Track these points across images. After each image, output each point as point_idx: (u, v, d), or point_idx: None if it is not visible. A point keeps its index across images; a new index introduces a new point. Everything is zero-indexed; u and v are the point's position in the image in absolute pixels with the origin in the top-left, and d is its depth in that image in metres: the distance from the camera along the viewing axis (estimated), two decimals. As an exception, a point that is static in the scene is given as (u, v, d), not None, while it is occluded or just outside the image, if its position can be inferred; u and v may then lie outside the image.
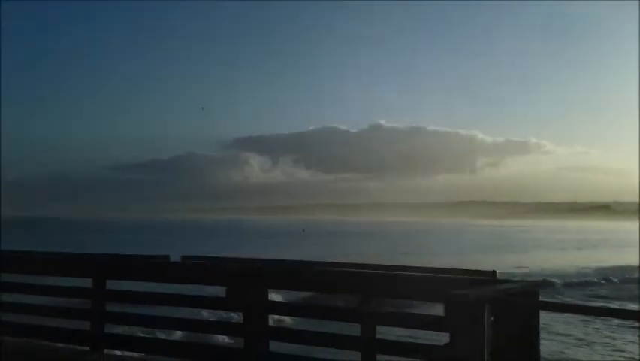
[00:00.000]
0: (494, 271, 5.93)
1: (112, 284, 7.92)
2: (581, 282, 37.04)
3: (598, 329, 19.98)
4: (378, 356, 6.20)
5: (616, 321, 19.59)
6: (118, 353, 7.78)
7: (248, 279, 6.83)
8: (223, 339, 10.17)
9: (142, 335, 8.75)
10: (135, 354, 7.75)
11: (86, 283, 7.93)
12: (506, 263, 49.79)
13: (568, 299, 29.46)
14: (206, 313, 10.22)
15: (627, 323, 18.07)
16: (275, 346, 7.01)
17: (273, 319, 7.11)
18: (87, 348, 7.75)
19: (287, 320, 10.70)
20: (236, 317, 7.10)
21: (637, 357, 16.76)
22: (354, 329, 6.36)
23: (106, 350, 7.70)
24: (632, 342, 17.72)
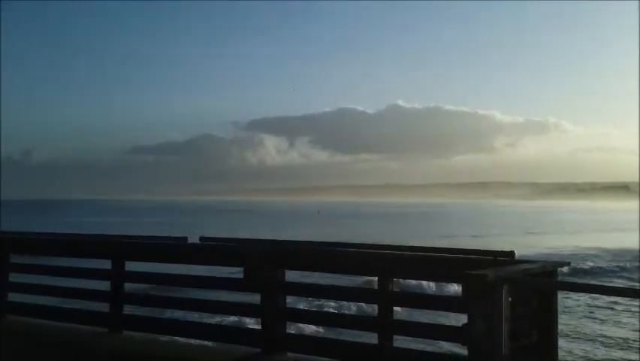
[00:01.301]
0: (512, 252, 5.87)
1: (131, 266, 7.97)
2: (599, 264, 36.77)
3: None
4: (395, 337, 6.19)
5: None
6: (137, 334, 7.84)
7: (265, 260, 6.83)
8: (241, 320, 10.24)
9: (160, 317, 8.80)
10: (154, 335, 7.80)
11: (106, 264, 7.98)
12: (526, 244, 49.68)
13: (587, 280, 29.32)
14: (224, 295, 10.29)
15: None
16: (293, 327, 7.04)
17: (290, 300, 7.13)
18: (106, 330, 7.81)
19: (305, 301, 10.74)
20: (255, 298, 7.11)
21: None
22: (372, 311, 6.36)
23: (125, 332, 7.76)
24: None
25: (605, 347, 15.99)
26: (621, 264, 35.92)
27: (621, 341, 16.53)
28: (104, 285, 7.99)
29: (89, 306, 8.35)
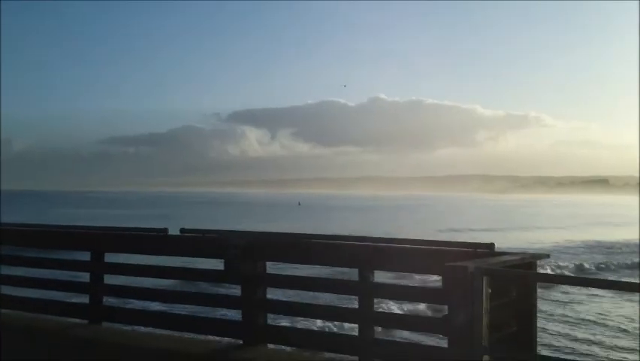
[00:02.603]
0: (492, 244, 5.91)
1: (110, 257, 7.92)
2: (579, 256, 37.20)
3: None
4: (376, 329, 6.21)
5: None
6: (116, 325, 7.80)
7: (246, 252, 6.81)
8: (222, 312, 10.23)
9: (140, 308, 8.77)
10: (133, 327, 7.77)
11: (85, 256, 7.93)
12: (505, 237, 50.07)
13: (566, 272, 29.63)
14: (204, 286, 10.25)
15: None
16: (272, 318, 7.04)
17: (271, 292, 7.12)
18: (85, 321, 7.77)
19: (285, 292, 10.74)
20: (235, 290, 7.10)
21: None
22: (352, 302, 6.37)
23: (104, 323, 7.72)
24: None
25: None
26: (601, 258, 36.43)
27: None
28: (84, 276, 7.94)
29: (69, 297, 8.30)
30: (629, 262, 34.09)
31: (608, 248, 42.16)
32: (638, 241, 39.97)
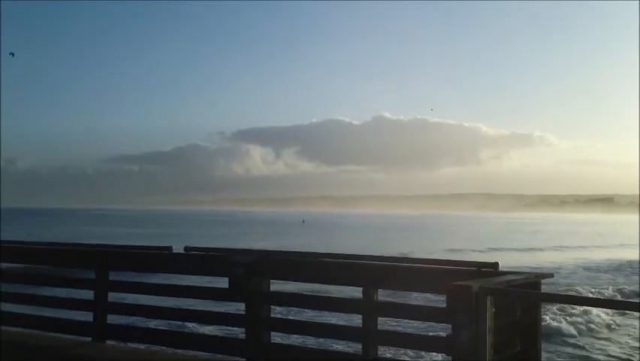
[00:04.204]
0: (497, 263, 5.91)
1: (115, 275, 7.93)
2: (582, 275, 36.95)
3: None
4: (380, 348, 6.20)
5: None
6: (121, 343, 7.79)
7: (250, 269, 6.82)
8: (226, 330, 10.19)
9: (144, 326, 8.76)
10: (138, 345, 7.76)
11: (90, 274, 7.94)
12: (510, 256, 49.88)
13: (571, 291, 29.44)
14: (209, 304, 10.25)
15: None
16: (277, 337, 7.03)
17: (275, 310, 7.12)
18: (89, 339, 7.76)
19: (289, 310, 10.71)
20: (239, 307, 7.10)
21: None
22: (356, 321, 6.36)
23: (108, 341, 7.72)
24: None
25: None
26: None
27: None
28: (89, 294, 7.94)
29: (73, 315, 8.30)
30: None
31: (615, 269, 41.81)
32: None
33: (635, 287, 31.53)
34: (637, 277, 35.84)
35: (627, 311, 16.58)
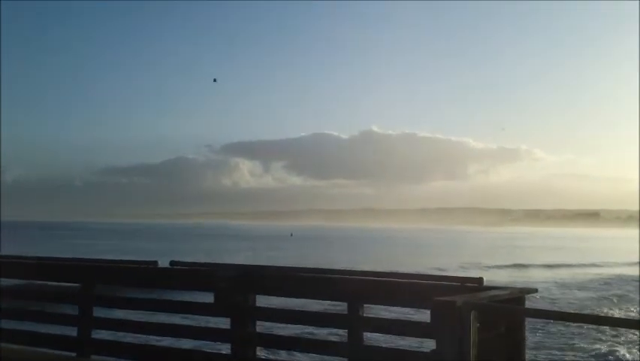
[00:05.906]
0: (481, 278, 5.95)
1: (100, 289, 7.89)
2: (568, 290, 37.01)
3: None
4: None
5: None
6: (106, 359, 7.74)
7: (236, 284, 6.83)
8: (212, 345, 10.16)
9: (129, 341, 8.71)
10: (122, 360, 7.72)
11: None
12: (494, 271, 50.02)
13: (554, 307, 29.49)
14: (194, 319, 10.23)
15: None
16: (262, 352, 7.02)
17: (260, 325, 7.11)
18: (74, 354, 7.71)
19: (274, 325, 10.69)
20: (225, 322, 7.09)
21: None
22: (341, 336, 6.38)
23: (93, 356, 7.67)
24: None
25: None
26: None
27: None
28: (74, 309, 7.90)
29: (57, 330, 8.24)
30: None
31: (603, 283, 41.85)
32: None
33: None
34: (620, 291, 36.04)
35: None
